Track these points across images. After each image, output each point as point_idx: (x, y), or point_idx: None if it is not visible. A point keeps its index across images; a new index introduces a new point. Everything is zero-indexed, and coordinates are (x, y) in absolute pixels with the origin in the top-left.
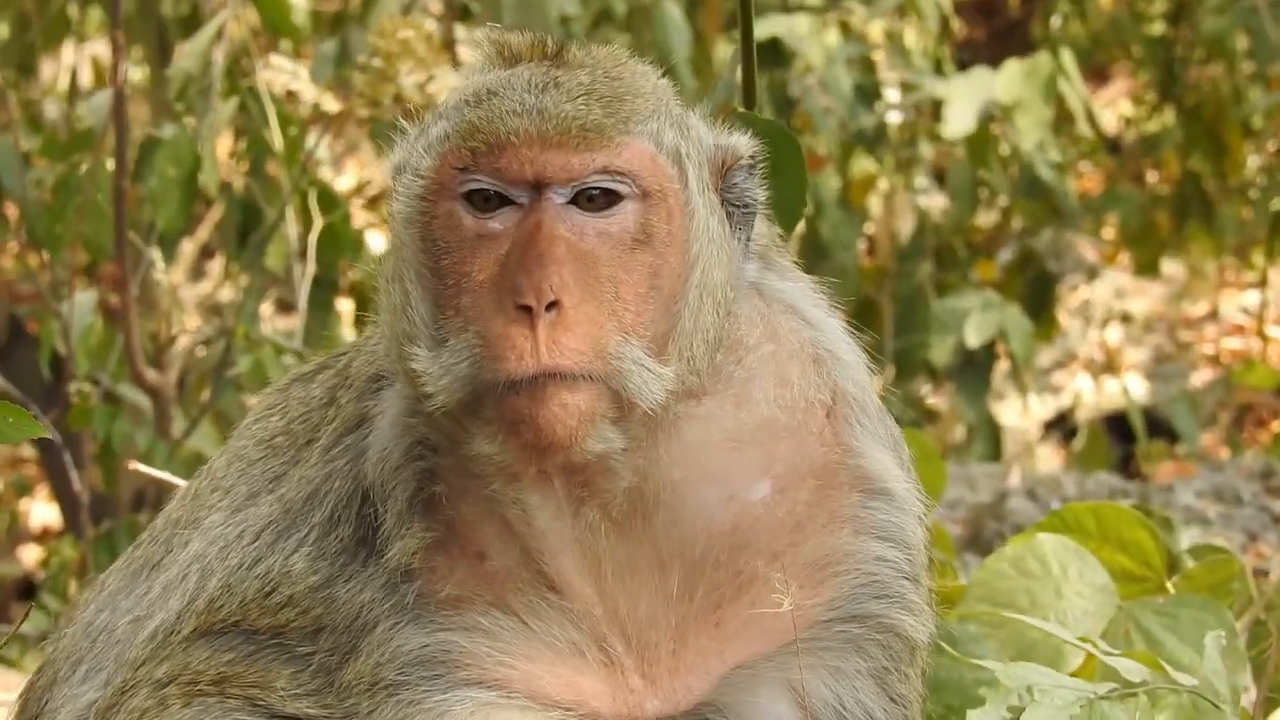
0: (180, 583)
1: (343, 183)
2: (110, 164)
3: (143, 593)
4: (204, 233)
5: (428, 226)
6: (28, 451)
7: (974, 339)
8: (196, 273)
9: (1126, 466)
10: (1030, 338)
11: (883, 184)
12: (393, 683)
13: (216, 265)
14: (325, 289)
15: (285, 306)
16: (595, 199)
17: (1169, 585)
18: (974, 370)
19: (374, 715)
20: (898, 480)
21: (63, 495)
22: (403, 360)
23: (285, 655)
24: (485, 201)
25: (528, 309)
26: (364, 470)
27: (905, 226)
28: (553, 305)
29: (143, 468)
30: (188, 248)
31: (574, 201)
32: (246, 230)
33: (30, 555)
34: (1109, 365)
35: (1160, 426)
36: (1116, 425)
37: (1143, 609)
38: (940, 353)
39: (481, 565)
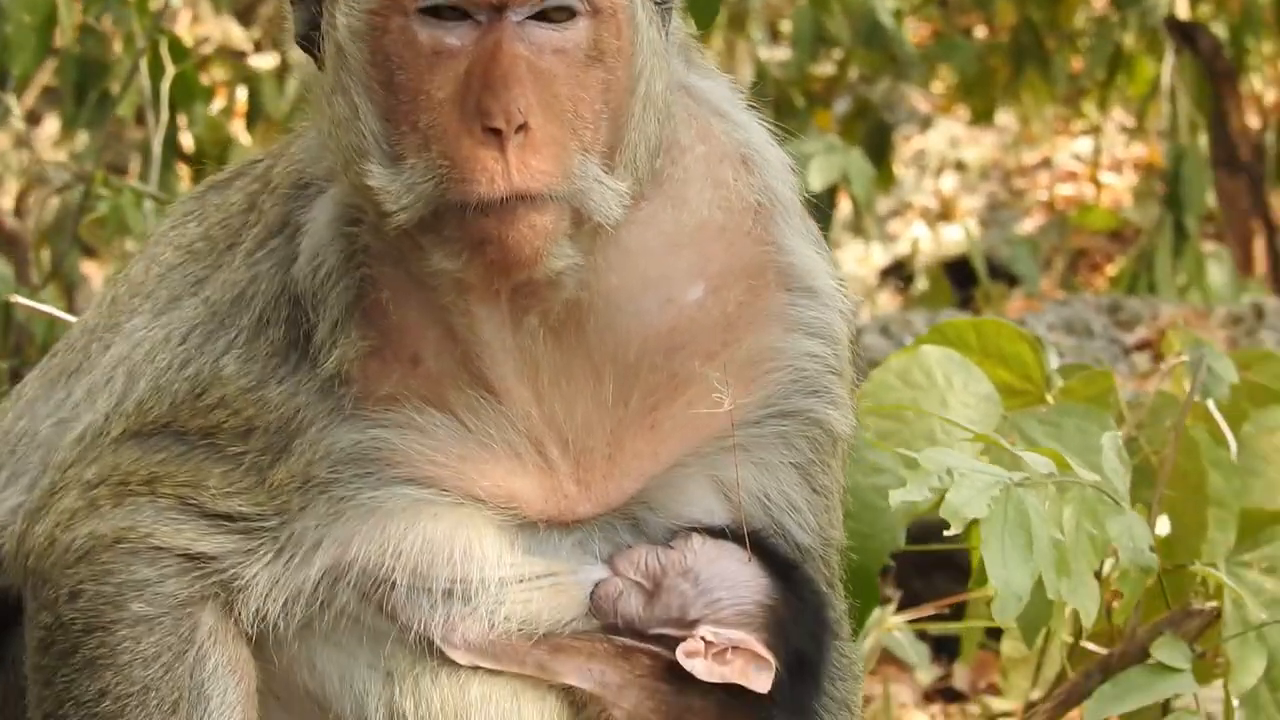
0: (105, 385)
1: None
2: None
3: (63, 398)
4: (30, 99)
5: (378, 41)
6: None
7: (817, 182)
8: (19, 142)
9: (967, 309)
10: (872, 182)
11: (719, 39)
12: (324, 480)
13: (45, 131)
14: (165, 146)
15: (115, 169)
16: (550, 17)
17: (1048, 398)
18: (814, 215)
19: (305, 512)
20: (824, 276)
21: None
22: (354, 175)
23: (217, 455)
24: (440, 16)
25: (496, 131)
26: (293, 275)
27: (744, 76)
28: (521, 128)
29: (23, 300)
30: (16, 111)
31: (530, 19)
32: (84, 89)
33: None
34: (944, 213)
35: (997, 271)
36: (954, 271)
37: (1027, 418)
38: None
39: (418, 369)
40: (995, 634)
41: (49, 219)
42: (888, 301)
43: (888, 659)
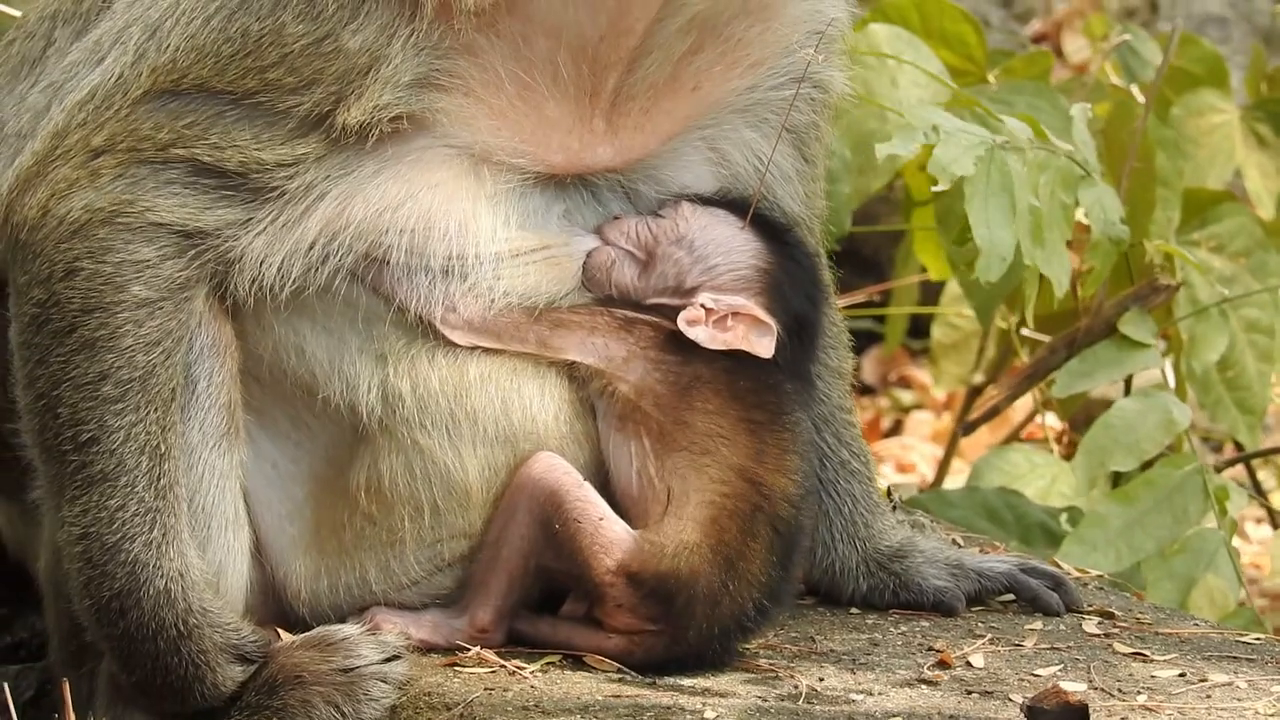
0: (114, 46)
1: None
2: None
3: (27, 88)
4: None
5: None
6: None
7: None
8: None
9: None
10: None
11: None
12: (384, 111)
13: None
14: None
15: None
16: None
17: (990, 79)
18: None
19: (323, 161)
20: None
21: None
22: None
23: (260, 113)
24: None
25: None
26: None
27: None
28: None
29: None
30: None
31: None
32: None
33: None
34: None
35: None
36: None
37: (978, 95)
38: None
39: None
40: (910, 329)
41: None
42: None
43: None
